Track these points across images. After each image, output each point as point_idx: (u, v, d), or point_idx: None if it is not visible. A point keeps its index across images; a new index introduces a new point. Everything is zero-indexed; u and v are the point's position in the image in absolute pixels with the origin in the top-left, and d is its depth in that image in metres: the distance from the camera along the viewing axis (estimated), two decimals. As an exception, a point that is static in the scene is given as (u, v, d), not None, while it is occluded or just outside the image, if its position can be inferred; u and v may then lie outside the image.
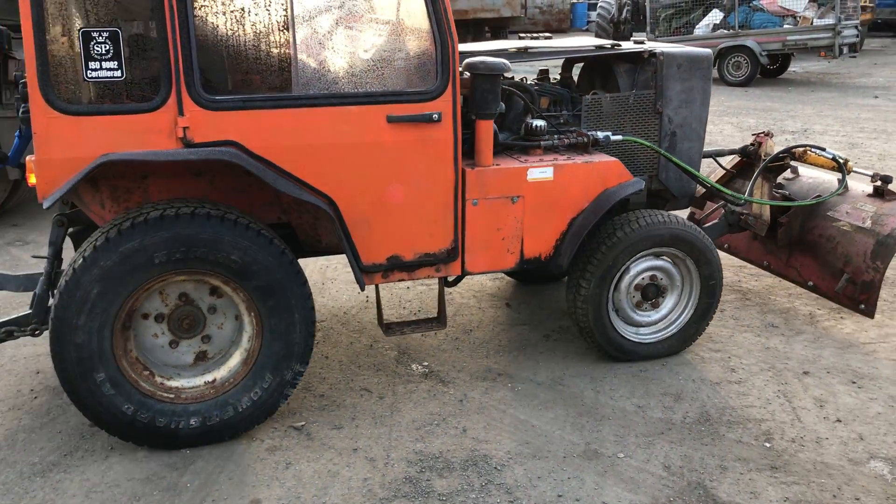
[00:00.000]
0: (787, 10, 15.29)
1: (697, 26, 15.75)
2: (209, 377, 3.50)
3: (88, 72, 3.11)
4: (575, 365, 4.23)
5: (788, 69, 17.06)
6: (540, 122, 3.95)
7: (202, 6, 3.26)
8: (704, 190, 4.77)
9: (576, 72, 4.90)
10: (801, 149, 4.73)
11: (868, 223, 4.45)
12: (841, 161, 4.59)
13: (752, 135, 5.04)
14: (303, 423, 3.69)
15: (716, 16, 15.59)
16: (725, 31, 15.26)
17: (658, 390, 3.96)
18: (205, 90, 3.23)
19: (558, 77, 4.79)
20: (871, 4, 20.62)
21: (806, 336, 4.56)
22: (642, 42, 4.50)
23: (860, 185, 4.74)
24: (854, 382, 4.03)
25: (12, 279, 4.17)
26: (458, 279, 4.15)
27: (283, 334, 3.44)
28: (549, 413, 3.77)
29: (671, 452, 3.45)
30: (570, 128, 4.18)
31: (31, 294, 3.89)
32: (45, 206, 3.17)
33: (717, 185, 4.60)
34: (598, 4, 20.95)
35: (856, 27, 15.37)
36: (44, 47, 3.06)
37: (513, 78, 4.30)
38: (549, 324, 4.75)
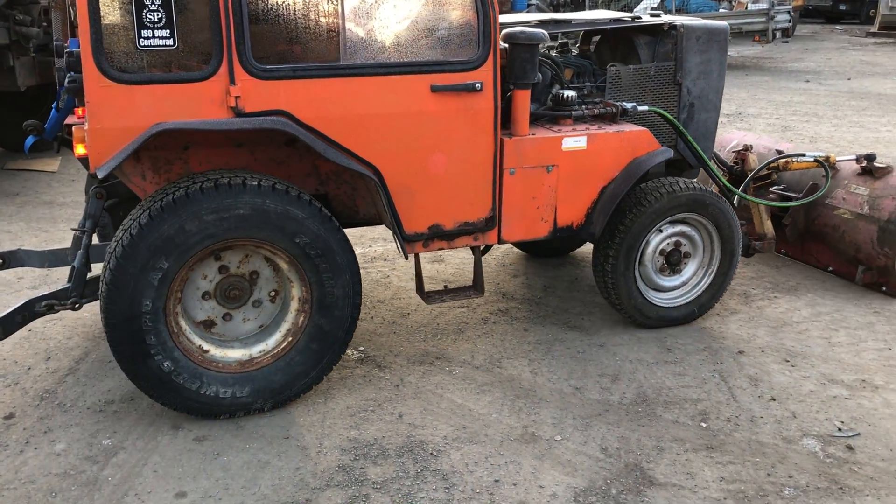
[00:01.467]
0: (723, -6, 15.50)
1: (636, 10, 15.84)
2: (204, 345, 3.43)
3: (141, 40, 3.09)
4: (513, 347, 4.18)
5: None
6: (570, 93, 4.02)
7: None
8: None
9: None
10: (782, 161, 4.87)
11: (866, 209, 4.68)
12: (822, 160, 4.78)
13: (733, 152, 5.10)
14: (232, 411, 3.57)
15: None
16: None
17: (595, 371, 3.94)
18: (256, 59, 3.22)
19: (577, 50, 4.87)
20: (802, -9, 21.06)
21: (741, 316, 4.60)
22: (658, 14, 4.59)
23: (848, 163, 4.98)
24: (787, 361, 4.07)
25: (36, 255, 4.11)
26: (488, 248, 4.22)
27: (294, 375, 3.48)
28: (486, 396, 3.71)
29: (608, 434, 3.43)
30: (594, 98, 4.26)
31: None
32: (99, 176, 3.16)
33: (720, 176, 4.60)
34: (538, -13, 20.90)
35: (788, 13, 15.69)
36: (97, 15, 3.02)
37: None
38: (488, 306, 4.69)
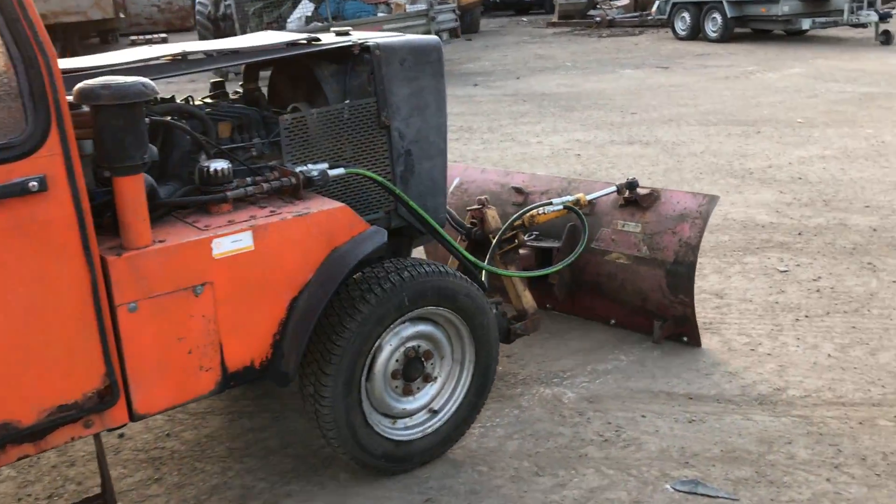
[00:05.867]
0: (379, -4, 14.25)
1: (289, 20, 14.29)
2: None
3: None
4: None
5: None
6: (221, 164, 2.74)
7: None
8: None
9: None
10: (528, 216, 3.88)
11: (644, 249, 3.91)
12: (572, 205, 3.94)
13: (468, 210, 3.95)
14: None
15: (306, 7, 14.23)
16: (319, 24, 13.80)
17: None
18: None
19: (240, 90, 3.59)
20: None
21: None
22: (347, 32, 3.40)
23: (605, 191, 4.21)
24: None
25: None
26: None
27: None
28: None
29: None
30: (267, 163, 3.05)
31: None
32: None
33: (461, 250, 3.52)
34: (197, 1, 18.71)
35: (453, 11, 14.79)
36: None
37: (173, 99, 3.18)
38: None
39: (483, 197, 3.97)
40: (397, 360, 3.03)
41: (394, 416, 3.08)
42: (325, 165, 2.96)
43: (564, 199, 3.97)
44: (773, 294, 4.50)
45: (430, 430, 3.14)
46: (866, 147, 7.68)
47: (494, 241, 3.78)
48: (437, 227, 3.33)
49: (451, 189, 4.69)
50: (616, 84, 12.35)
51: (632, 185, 4.04)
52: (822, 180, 6.67)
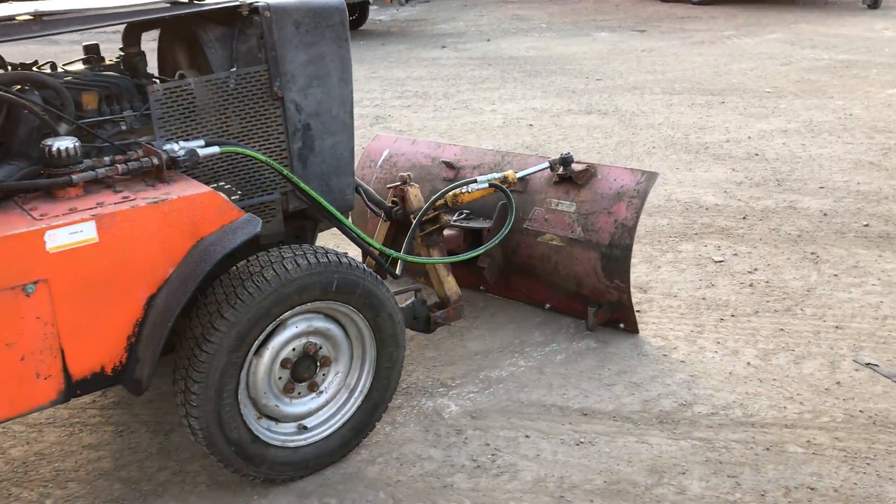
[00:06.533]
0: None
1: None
2: None
3: None
4: None
5: (370, 18, 15.46)
6: (66, 143, 2.42)
7: None
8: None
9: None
10: (450, 195, 3.57)
11: (579, 231, 3.69)
12: (498, 182, 3.64)
13: (389, 187, 3.65)
14: None
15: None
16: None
17: None
18: None
19: (122, 55, 3.23)
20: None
21: None
22: None
23: (537, 168, 3.91)
24: None
25: None
26: None
27: None
28: None
29: None
30: (137, 139, 2.78)
31: None
32: None
33: (366, 239, 3.21)
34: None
35: (420, -31, 14.10)
36: None
37: (35, 64, 2.99)
38: None
39: (405, 174, 3.66)
40: (294, 349, 2.76)
41: (261, 412, 2.78)
42: (198, 143, 2.66)
43: (490, 176, 3.67)
44: (702, 288, 4.13)
45: (291, 445, 2.83)
46: (833, 120, 7.27)
47: (414, 222, 3.48)
48: (332, 210, 3.01)
49: (379, 162, 4.40)
50: (588, 48, 11.85)
51: (566, 160, 3.77)
52: (779, 157, 6.27)
